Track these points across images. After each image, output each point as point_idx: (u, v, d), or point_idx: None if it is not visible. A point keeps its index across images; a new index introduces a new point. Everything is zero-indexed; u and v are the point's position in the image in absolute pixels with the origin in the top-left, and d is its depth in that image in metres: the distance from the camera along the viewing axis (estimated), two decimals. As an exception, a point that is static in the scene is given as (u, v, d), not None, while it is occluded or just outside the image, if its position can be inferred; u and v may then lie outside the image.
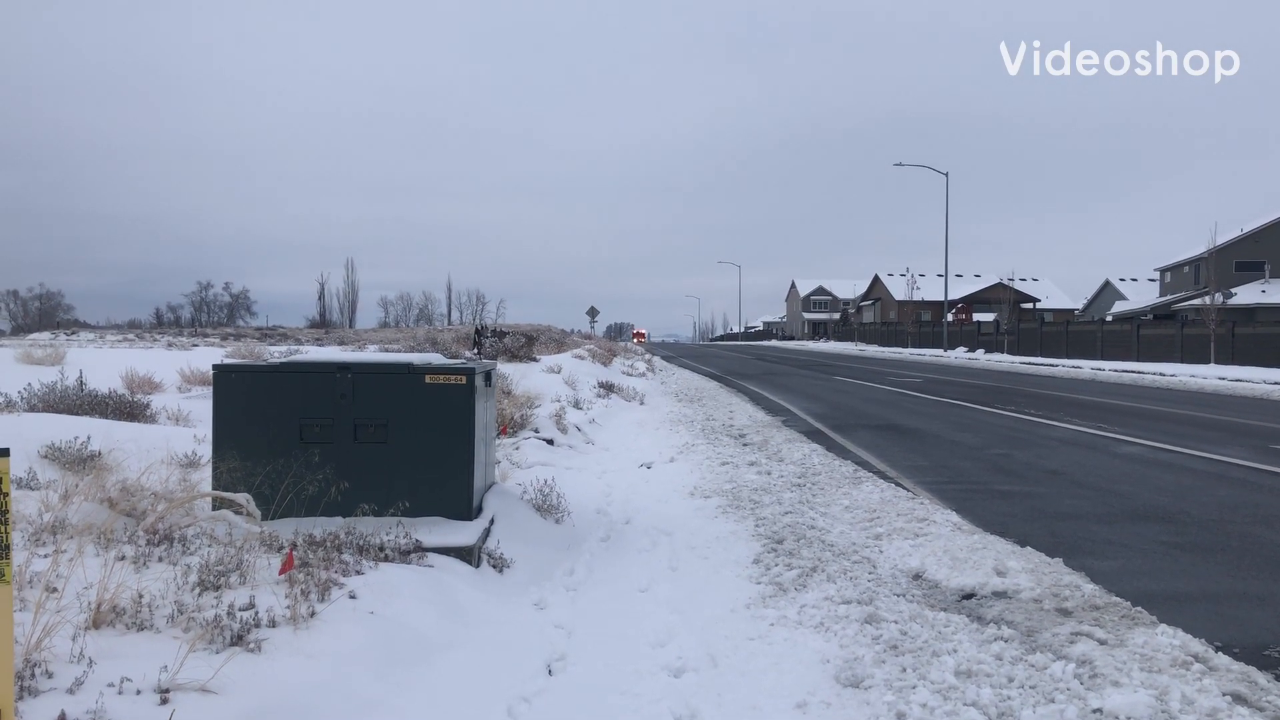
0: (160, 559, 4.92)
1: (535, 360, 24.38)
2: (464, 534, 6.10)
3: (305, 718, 3.60)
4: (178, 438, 8.60)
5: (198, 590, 4.44)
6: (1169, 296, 63.88)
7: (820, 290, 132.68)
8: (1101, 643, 4.81)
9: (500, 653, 4.82)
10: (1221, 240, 50.51)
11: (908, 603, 5.55)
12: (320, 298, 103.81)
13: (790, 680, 4.49)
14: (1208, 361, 36.31)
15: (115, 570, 4.30)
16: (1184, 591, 5.99)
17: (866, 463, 11.29)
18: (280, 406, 6.32)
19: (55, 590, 4.16)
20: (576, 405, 16.00)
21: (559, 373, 20.24)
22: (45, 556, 4.72)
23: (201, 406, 10.60)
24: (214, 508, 5.89)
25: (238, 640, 3.92)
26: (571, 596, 5.98)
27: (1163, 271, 69.48)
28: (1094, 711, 4.02)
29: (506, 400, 13.15)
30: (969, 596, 5.77)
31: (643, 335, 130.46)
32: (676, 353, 62.31)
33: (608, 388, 20.42)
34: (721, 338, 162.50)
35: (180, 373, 16.46)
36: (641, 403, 19.98)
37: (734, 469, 10.58)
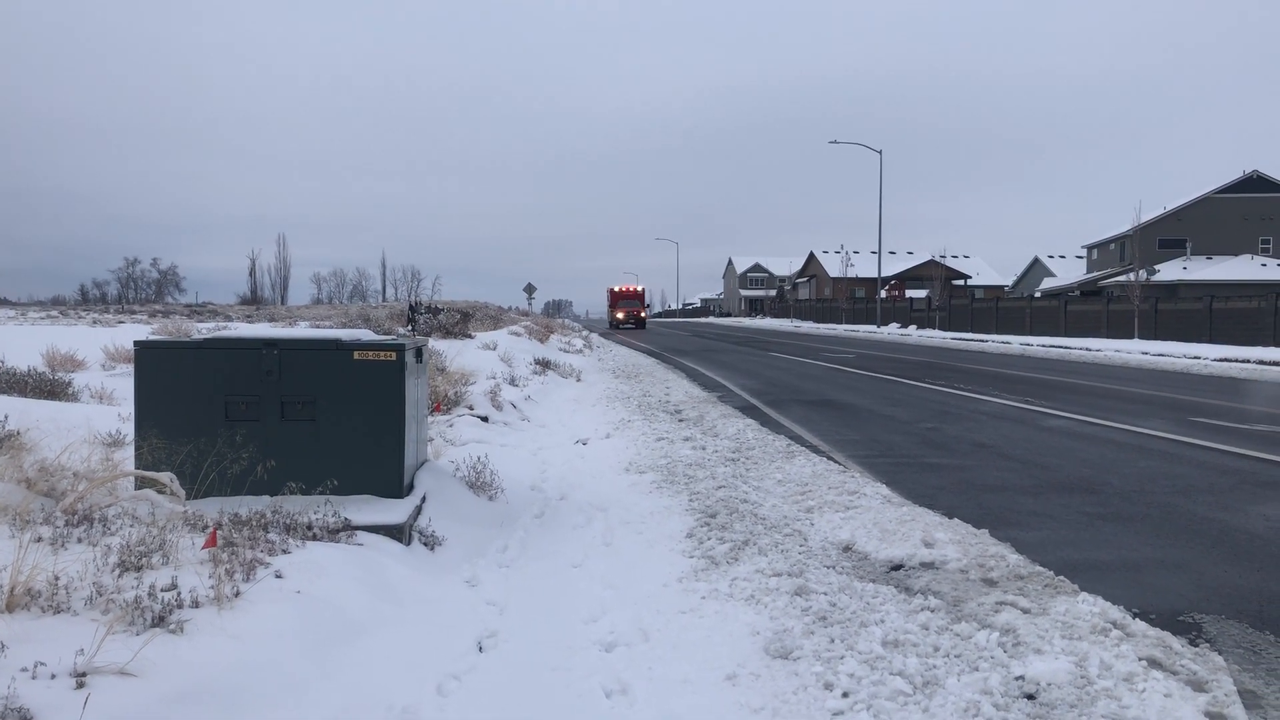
0: (79, 540, 4.79)
1: (470, 337, 24.18)
2: (394, 512, 6.04)
3: (229, 699, 3.54)
4: (100, 416, 8.39)
5: (118, 571, 4.34)
6: (1096, 273, 65.28)
7: (757, 267, 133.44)
8: (1025, 611, 4.91)
9: (431, 631, 4.78)
10: (1146, 218, 51.69)
11: (837, 574, 5.61)
12: (251, 274, 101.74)
13: (721, 653, 4.52)
14: (1132, 336, 37.19)
15: (31, 552, 4.17)
16: (1105, 560, 6.14)
17: (800, 437, 11.39)
18: (205, 384, 6.19)
19: (-33, 574, 4.03)
20: (512, 382, 15.91)
21: (495, 349, 20.10)
22: (-43, 539, 4.57)
23: (126, 384, 10.35)
24: (137, 487, 5.76)
25: (159, 622, 3.84)
26: (504, 573, 5.95)
27: (1090, 249, 70.96)
28: (1017, 679, 4.11)
29: (440, 377, 13.03)
30: (897, 568, 5.85)
31: (641, 298, 73.17)
32: (615, 329, 62.27)
33: (544, 364, 20.32)
34: (660, 315, 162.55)
35: (105, 350, 16.08)
36: (578, 379, 19.93)
37: (669, 444, 10.60)
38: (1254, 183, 60.02)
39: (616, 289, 73.73)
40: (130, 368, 6.61)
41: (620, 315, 69.08)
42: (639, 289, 73.49)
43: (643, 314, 70.52)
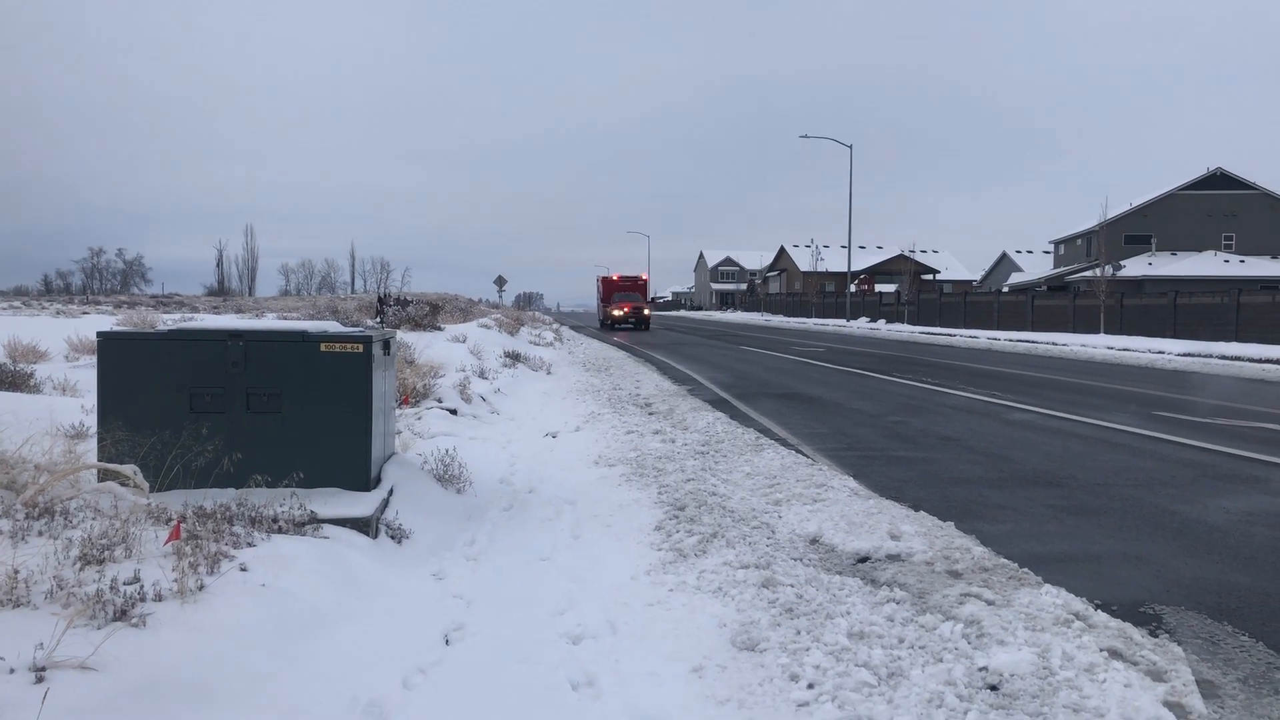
0: (40, 533, 4.73)
1: (440, 329, 24.05)
2: (361, 505, 6.01)
3: (192, 693, 3.51)
4: (63, 408, 8.29)
5: (79, 565, 4.29)
6: (1062, 268, 65.86)
7: (728, 261, 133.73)
8: (989, 603, 4.95)
9: (397, 624, 4.76)
10: (1112, 214, 52.21)
11: (804, 567, 5.64)
12: (219, 265, 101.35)
13: (688, 645, 4.53)
14: (1098, 331, 37.55)
15: (-11, 545, 4.13)
16: (1068, 553, 6.21)
17: (769, 430, 11.43)
18: (169, 375, 6.13)
19: (-76, 567, 3.97)
20: (482, 375, 15.86)
21: (464, 342, 20.01)
22: (-86, 532, 4.51)
23: (90, 376, 10.20)
24: (100, 479, 5.69)
25: (121, 615, 3.80)
26: (472, 566, 5.94)
27: (1056, 244, 71.59)
28: (980, 670, 4.14)
29: (409, 369, 12.96)
30: (864, 560, 5.89)
31: (644, 290, 56.53)
32: (585, 322, 62.16)
33: (514, 357, 20.27)
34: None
35: (68, 341, 15.90)
36: (549, 373, 19.90)
37: (639, 437, 10.61)
38: (1218, 180, 60.79)
39: (613, 277, 57.04)
40: (94, 359, 6.53)
41: (617, 312, 52.48)
42: (641, 278, 56.97)
43: (646, 310, 53.47)
